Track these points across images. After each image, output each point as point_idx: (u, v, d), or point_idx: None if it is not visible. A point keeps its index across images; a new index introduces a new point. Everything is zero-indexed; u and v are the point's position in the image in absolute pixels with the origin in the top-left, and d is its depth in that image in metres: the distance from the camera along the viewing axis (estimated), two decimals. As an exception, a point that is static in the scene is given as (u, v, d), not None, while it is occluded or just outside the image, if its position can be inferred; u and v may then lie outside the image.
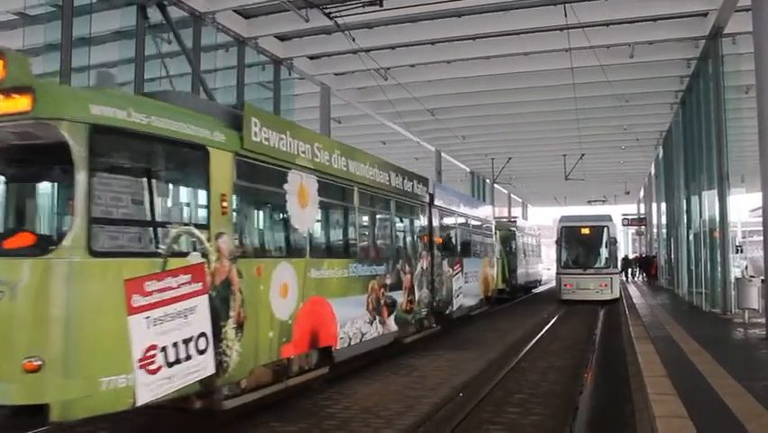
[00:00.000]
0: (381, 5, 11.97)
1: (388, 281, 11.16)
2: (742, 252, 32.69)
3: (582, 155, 30.72)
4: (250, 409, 7.40)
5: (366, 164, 10.64)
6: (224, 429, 7.13)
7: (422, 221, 13.77)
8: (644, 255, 42.04)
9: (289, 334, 7.90)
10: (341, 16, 12.86)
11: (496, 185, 39.01)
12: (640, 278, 38.76)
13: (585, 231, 25.58)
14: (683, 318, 15.22)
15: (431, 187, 14.33)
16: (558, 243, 25.94)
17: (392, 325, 11.23)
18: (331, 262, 9.33)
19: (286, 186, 8.14)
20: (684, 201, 21.89)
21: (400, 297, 11.72)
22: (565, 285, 24.94)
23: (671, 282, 27.27)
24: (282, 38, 17.74)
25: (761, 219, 11.87)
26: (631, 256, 46.41)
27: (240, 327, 6.89)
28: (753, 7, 12.09)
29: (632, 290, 28.17)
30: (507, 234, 27.21)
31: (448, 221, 15.92)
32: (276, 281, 7.68)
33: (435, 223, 14.26)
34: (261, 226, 8.92)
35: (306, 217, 8.57)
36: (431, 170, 31.14)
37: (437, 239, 14.32)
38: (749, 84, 14.23)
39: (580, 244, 25.61)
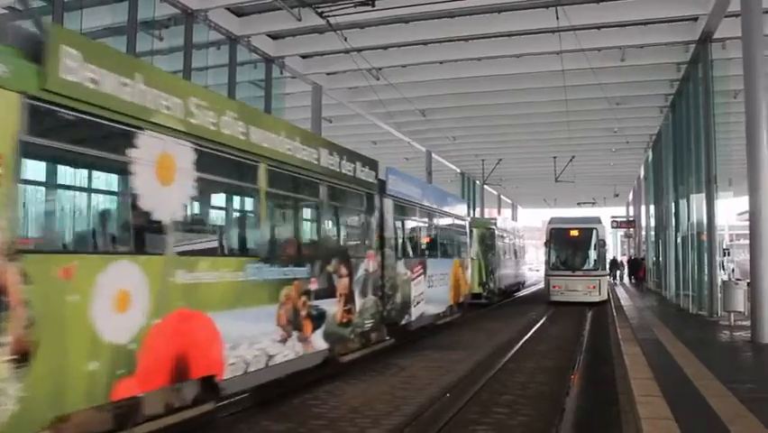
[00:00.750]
0: (374, 5, 11.94)
1: (314, 287, 8.92)
2: (729, 255, 33.01)
3: (572, 157, 30.87)
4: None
5: (281, 135, 8.29)
6: (213, 428, 7.10)
7: (368, 213, 11.32)
8: (632, 258, 42.26)
9: (131, 364, 5.63)
10: (333, 16, 12.84)
11: (486, 186, 39.13)
12: (628, 280, 38.91)
13: (574, 233, 25.70)
14: (670, 321, 15.32)
15: (382, 172, 12.16)
16: (547, 244, 26.05)
17: (319, 342, 9.05)
18: (214, 261, 7.00)
19: (133, 152, 5.88)
20: (672, 204, 22.04)
21: (332, 306, 9.51)
22: (554, 287, 25.07)
23: (659, 285, 27.43)
24: (274, 36, 17.71)
25: (748, 223, 11.99)
26: (620, 258, 46.58)
27: (23, 358, 4.64)
28: (742, 13, 12.21)
29: (620, 292, 28.30)
30: (485, 234, 25.25)
31: (406, 215, 13.73)
32: (104, 289, 5.38)
33: (388, 216, 12.01)
34: (80, 207, 6.44)
35: (170, 198, 6.26)
36: (421, 170, 31.23)
37: (390, 236, 12.12)
38: (737, 88, 14.33)
39: (570, 246, 25.72)
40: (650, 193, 31.84)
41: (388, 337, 12.14)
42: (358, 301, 10.43)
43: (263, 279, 7.70)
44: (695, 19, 15.67)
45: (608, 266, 29.21)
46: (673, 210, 21.89)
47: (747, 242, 12.83)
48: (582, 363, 11.82)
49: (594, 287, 24.37)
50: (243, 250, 8.13)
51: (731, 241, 39.10)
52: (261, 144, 7.82)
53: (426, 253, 14.86)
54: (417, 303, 13.57)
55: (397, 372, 10.72)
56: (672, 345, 11.11)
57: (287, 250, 8.89)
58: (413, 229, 14.50)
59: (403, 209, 13.32)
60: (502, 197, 50.33)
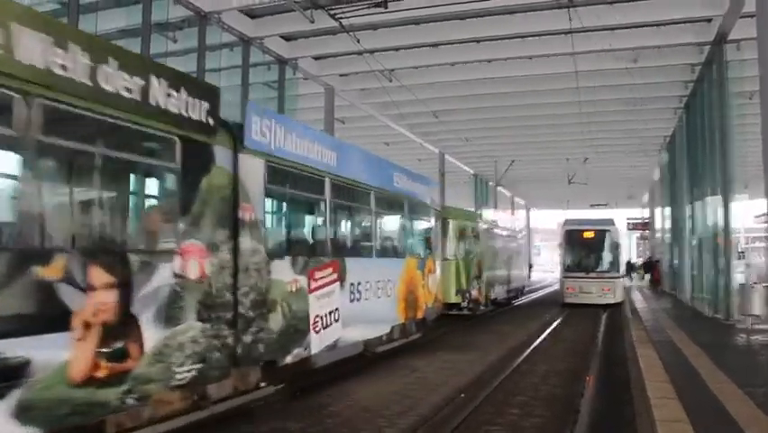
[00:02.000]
0: (386, 7, 11.99)
1: None
2: (745, 258, 32.76)
3: (586, 159, 30.76)
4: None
5: None
6: (233, 424, 7.11)
7: (191, 175, 6.60)
8: (647, 260, 42.03)
9: None
10: (346, 17, 12.88)
11: (499, 188, 39.05)
12: (644, 282, 38.63)
13: (588, 235, 25.60)
14: (685, 324, 15.21)
15: (237, 109, 8.32)
16: (561, 246, 25.96)
17: None
18: None
19: None
20: (688, 206, 21.88)
21: (55, 349, 4.97)
22: (568, 288, 24.96)
23: (674, 287, 27.27)
24: (287, 38, 17.77)
25: (764, 225, 11.88)
26: (634, 260, 46.28)
27: None
28: (757, 14, 12.06)
29: (635, 294, 28.14)
30: (467, 229, 19.76)
31: (300, 188, 8.79)
32: None
33: (252, 186, 7.38)
34: None
35: None
36: (434, 171, 31.22)
37: (257, 218, 7.44)
38: (753, 90, 14.22)
39: (584, 248, 25.62)
40: (665, 195, 31.65)
41: (264, 384, 7.81)
42: (152, 333, 5.91)
43: None
44: (709, 20, 15.56)
45: (622, 268, 29.05)
46: (689, 213, 21.73)
47: (763, 244, 12.71)
48: (597, 366, 11.75)
49: (609, 289, 24.25)
50: None
51: (747, 243, 38.82)
52: None
53: (346, 249, 10.42)
54: (325, 326, 8.92)
55: (411, 372, 10.70)
56: (688, 347, 11.03)
57: None
58: (316, 212, 9.98)
59: (291, 179, 8.44)
60: (515, 198, 50.24)
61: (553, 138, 28.92)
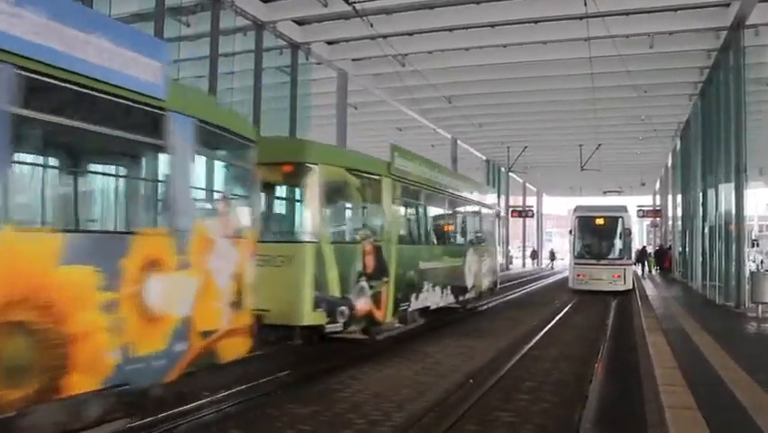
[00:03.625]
0: (400, -9, 11.96)
1: None
2: (758, 246, 32.58)
3: (599, 145, 30.57)
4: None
5: None
6: (237, 408, 7.21)
7: None
8: (658, 247, 41.82)
9: None
10: (359, 2, 12.85)
11: (511, 174, 38.94)
12: (655, 270, 38.46)
13: (599, 221, 25.52)
14: (696, 311, 15.19)
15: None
16: (572, 233, 25.90)
17: None
18: None
19: None
20: (700, 193, 21.77)
21: None
22: (578, 275, 24.92)
23: (684, 275, 27.19)
24: (300, 22, 17.75)
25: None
26: (644, 246, 45.98)
27: None
28: (776, -2, 11.98)
29: (645, 282, 28.07)
30: (350, 184, 10.42)
31: None
32: None
33: None
34: None
35: None
36: (447, 157, 31.16)
37: None
38: (770, 76, 14.11)
39: (594, 235, 25.55)
40: (677, 182, 31.47)
41: None
42: None
43: None
44: (727, 5, 15.38)
45: (633, 255, 28.93)
46: (701, 200, 21.63)
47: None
48: (606, 351, 11.77)
49: (619, 276, 24.21)
50: None
51: (760, 231, 38.63)
52: None
53: None
54: None
55: (422, 358, 10.74)
56: (698, 335, 11.04)
57: None
58: None
59: None
60: (527, 184, 50.12)
61: (567, 124, 28.81)
